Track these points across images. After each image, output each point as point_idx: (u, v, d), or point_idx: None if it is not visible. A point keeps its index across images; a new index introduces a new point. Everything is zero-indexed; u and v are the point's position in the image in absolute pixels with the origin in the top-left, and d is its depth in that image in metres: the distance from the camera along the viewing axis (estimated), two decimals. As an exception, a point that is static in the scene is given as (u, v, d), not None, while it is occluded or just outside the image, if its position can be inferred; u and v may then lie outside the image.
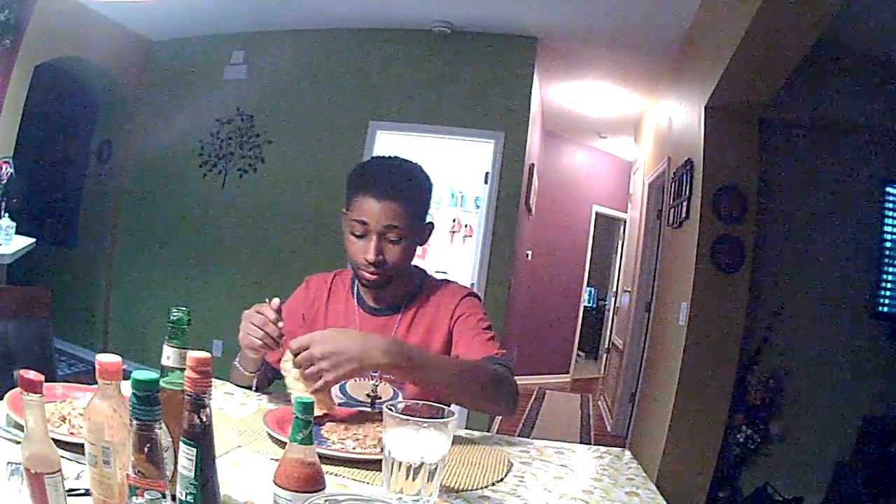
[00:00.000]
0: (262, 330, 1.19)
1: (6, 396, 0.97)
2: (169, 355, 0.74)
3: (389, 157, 1.46)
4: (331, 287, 1.49)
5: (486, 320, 1.40)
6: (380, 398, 1.35)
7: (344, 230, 1.37)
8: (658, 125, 4.69)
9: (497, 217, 4.20)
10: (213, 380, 0.70)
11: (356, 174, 1.38)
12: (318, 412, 1.09)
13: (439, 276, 1.53)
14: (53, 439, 0.67)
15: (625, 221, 7.04)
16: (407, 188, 1.34)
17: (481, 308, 1.43)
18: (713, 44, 2.98)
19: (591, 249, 7.48)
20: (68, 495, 0.68)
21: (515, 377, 1.32)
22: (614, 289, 7.39)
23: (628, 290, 5.50)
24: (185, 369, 0.69)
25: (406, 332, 1.40)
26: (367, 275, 1.33)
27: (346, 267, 1.49)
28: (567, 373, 7.32)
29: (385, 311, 1.42)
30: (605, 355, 7.45)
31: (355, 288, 1.46)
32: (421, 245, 1.41)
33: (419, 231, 1.37)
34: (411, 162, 1.42)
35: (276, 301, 1.23)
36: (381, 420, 0.85)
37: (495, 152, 4.18)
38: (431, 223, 1.43)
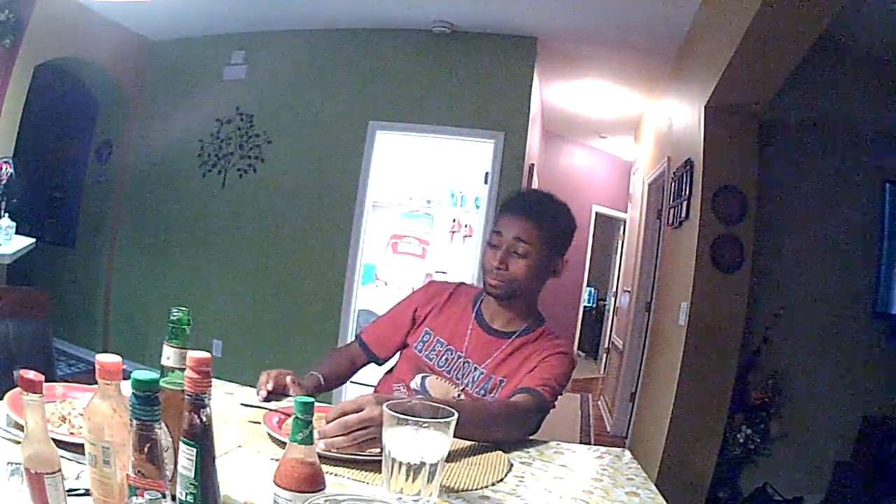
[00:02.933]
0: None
1: (6, 396, 0.97)
2: (169, 355, 0.74)
3: (543, 191, 1.57)
4: (451, 294, 1.59)
5: (561, 377, 1.40)
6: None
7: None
8: (658, 125, 4.69)
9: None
10: (213, 380, 0.70)
11: (507, 197, 1.55)
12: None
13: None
14: (53, 439, 0.66)
15: (625, 221, 7.04)
16: (542, 212, 1.47)
17: (566, 368, 1.43)
18: (713, 44, 2.98)
19: (591, 249, 7.48)
20: (68, 495, 0.68)
21: (546, 407, 1.34)
22: (614, 289, 7.39)
23: (628, 290, 5.50)
24: (185, 369, 0.69)
25: (503, 359, 1.45)
26: (490, 280, 1.45)
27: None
28: (567, 373, 7.31)
29: (499, 334, 1.49)
30: (604, 355, 7.45)
31: (478, 304, 1.54)
32: (554, 276, 1.50)
33: (549, 257, 1.46)
34: (559, 200, 1.53)
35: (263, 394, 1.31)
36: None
37: (495, 152, 4.18)
38: (566, 259, 1.50)
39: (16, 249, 3.20)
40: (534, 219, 1.44)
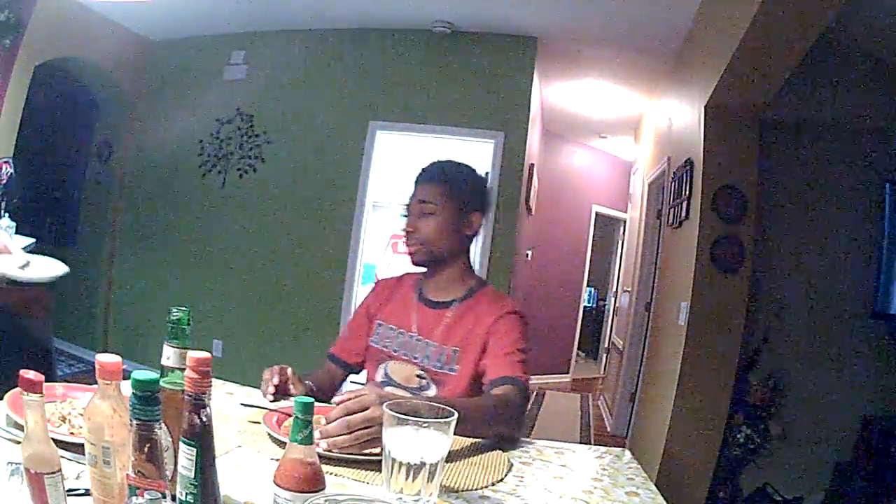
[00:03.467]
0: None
1: (6, 396, 0.97)
2: (169, 355, 0.74)
3: (444, 159, 1.63)
4: (395, 284, 1.65)
5: (521, 341, 1.42)
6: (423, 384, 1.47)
7: None
8: (658, 125, 4.69)
9: (497, 217, 4.20)
10: (213, 380, 0.70)
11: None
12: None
13: None
14: (53, 439, 0.66)
15: (625, 221, 7.04)
16: (441, 174, 1.55)
17: (520, 328, 1.44)
18: (713, 44, 2.98)
19: (591, 249, 7.47)
20: (68, 495, 0.68)
21: (528, 390, 1.35)
22: (614, 289, 7.39)
23: (628, 290, 5.50)
24: (185, 369, 0.69)
25: (449, 327, 1.48)
26: (407, 248, 1.52)
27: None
28: (567, 373, 7.32)
29: (439, 305, 1.53)
30: (605, 355, 7.45)
31: (419, 285, 1.59)
32: (468, 234, 1.53)
33: (457, 214, 1.51)
34: (459, 162, 1.61)
35: (271, 387, 1.31)
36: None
37: (495, 152, 4.18)
38: (475, 215, 1.53)
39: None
40: (432, 180, 1.53)
